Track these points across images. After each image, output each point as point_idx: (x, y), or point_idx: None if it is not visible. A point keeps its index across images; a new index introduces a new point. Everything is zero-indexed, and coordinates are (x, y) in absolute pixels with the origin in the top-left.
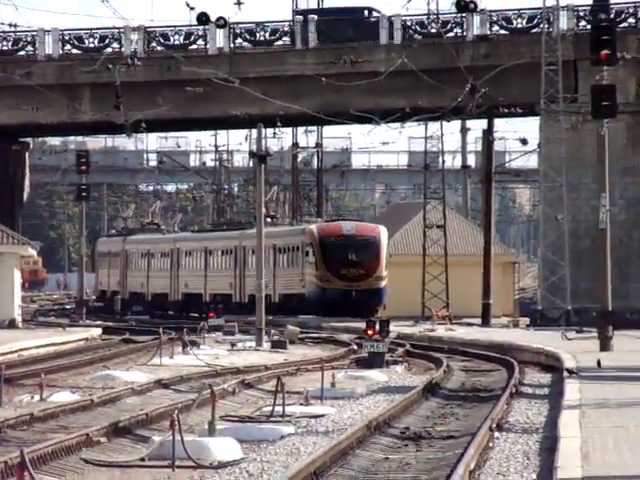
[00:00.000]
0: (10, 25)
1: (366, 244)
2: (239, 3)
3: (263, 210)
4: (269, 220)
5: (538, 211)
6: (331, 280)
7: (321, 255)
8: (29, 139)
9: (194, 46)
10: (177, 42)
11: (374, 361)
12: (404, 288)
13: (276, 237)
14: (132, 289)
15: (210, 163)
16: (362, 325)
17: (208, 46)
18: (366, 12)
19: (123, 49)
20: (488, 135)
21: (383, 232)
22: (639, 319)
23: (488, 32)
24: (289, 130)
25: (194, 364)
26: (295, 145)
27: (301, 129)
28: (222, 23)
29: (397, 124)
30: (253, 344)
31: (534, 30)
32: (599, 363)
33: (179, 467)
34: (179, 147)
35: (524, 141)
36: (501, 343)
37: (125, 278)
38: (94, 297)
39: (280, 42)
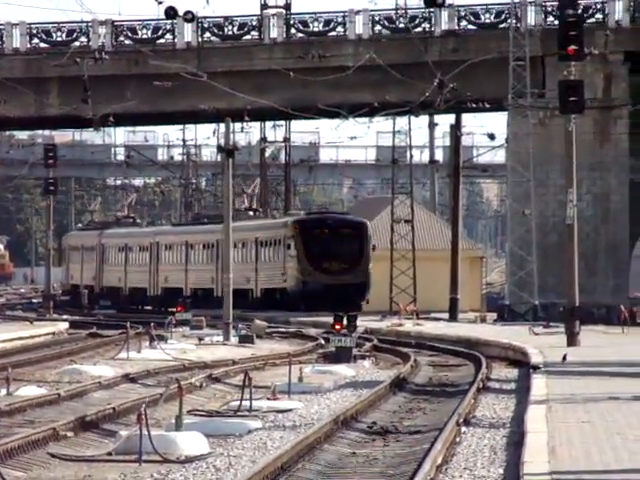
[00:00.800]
0: None
1: (350, 237)
2: None
3: (230, 204)
4: (251, 213)
5: (505, 206)
6: (313, 274)
7: (303, 248)
8: None
9: (162, 40)
10: (145, 36)
11: (342, 356)
12: (372, 282)
13: (258, 230)
14: (108, 283)
15: (178, 157)
16: (330, 320)
17: (176, 40)
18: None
19: (91, 43)
20: (456, 130)
21: (367, 225)
22: (606, 314)
23: (456, 27)
24: (257, 124)
25: (161, 358)
26: (263, 139)
27: (269, 124)
28: (190, 17)
29: (365, 119)
30: (221, 339)
31: (502, 25)
32: (564, 357)
33: (146, 462)
34: (147, 141)
35: (492, 136)
36: (468, 338)
37: (101, 272)
38: (61, 291)
39: (248, 36)
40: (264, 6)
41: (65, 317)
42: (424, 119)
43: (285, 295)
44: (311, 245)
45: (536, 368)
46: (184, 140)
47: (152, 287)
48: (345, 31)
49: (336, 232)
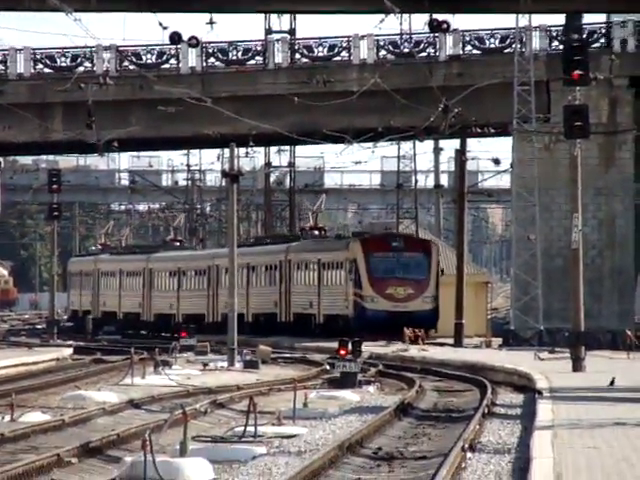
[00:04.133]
0: None
1: (416, 260)
2: (211, 22)
3: (235, 229)
4: (316, 232)
5: (510, 231)
6: (377, 300)
7: (366, 273)
8: (0, 158)
9: (166, 65)
10: (149, 61)
11: (346, 381)
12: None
13: (321, 252)
14: (106, 309)
15: (182, 182)
16: (334, 345)
17: (180, 65)
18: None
19: (95, 68)
20: (461, 155)
21: (434, 247)
22: (611, 339)
23: (461, 52)
24: (262, 149)
25: (166, 384)
26: (268, 165)
27: (274, 149)
28: (194, 42)
29: (370, 144)
30: (225, 364)
31: (507, 50)
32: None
33: None
34: (151, 166)
35: (497, 161)
36: (474, 363)
37: (98, 297)
38: (65, 317)
39: (252, 61)
40: (268, 31)
41: (69, 343)
42: (429, 144)
43: (347, 322)
44: (374, 269)
45: (539, 393)
46: (188, 165)
47: (145, 313)
48: (350, 56)
49: (401, 254)
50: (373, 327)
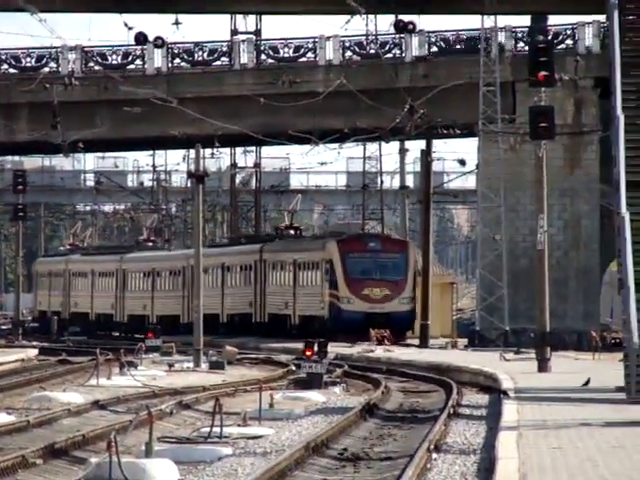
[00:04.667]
0: None
1: (393, 261)
2: (177, 23)
3: (201, 230)
4: (292, 232)
5: (476, 232)
6: (353, 301)
7: (342, 273)
8: None
9: (132, 66)
10: (115, 62)
11: (312, 382)
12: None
13: (297, 252)
14: (77, 309)
15: (148, 183)
16: (300, 346)
17: (146, 66)
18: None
19: (60, 69)
20: (426, 156)
21: (412, 248)
22: (577, 340)
23: (426, 53)
24: (227, 150)
25: (131, 385)
26: (233, 165)
27: (239, 149)
28: (160, 43)
29: (336, 144)
30: (191, 365)
31: (472, 51)
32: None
33: None
34: (117, 167)
35: (462, 162)
36: (439, 364)
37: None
38: (30, 318)
39: (218, 62)
40: (234, 32)
41: (34, 343)
42: (395, 145)
43: (323, 324)
44: (350, 269)
45: (505, 394)
46: (154, 166)
47: (118, 314)
48: (316, 57)
49: (378, 255)
50: (349, 328)
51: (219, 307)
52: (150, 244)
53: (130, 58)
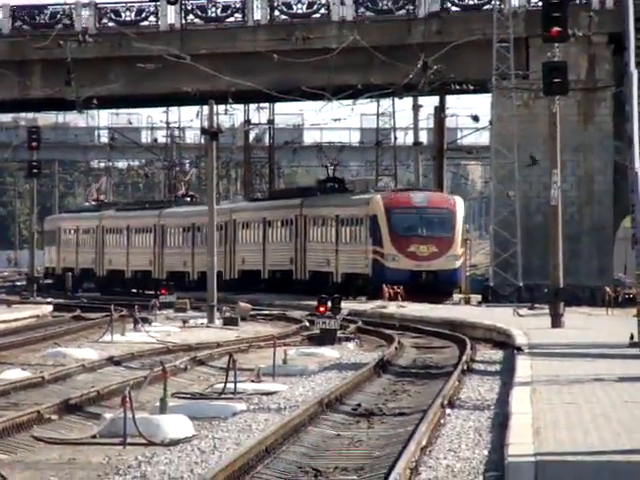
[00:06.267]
0: None
1: (440, 218)
2: None
3: (215, 186)
4: (336, 186)
5: (489, 188)
6: (398, 259)
7: (387, 230)
8: None
9: (145, 22)
10: (128, 18)
11: (326, 338)
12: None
13: (339, 207)
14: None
15: (162, 140)
16: (314, 302)
17: (159, 22)
18: None
19: (74, 25)
20: (440, 112)
21: (459, 204)
22: (590, 296)
23: (440, 9)
24: (241, 107)
25: (145, 341)
26: (247, 122)
27: (253, 106)
28: (173, 0)
29: (349, 101)
30: (205, 321)
31: (486, 7)
32: (519, 348)
33: (130, 444)
34: (130, 124)
35: (476, 118)
36: (452, 320)
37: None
38: (44, 274)
39: (232, 19)
40: None
41: (49, 300)
42: (408, 101)
43: (367, 281)
44: (396, 226)
45: (519, 349)
46: (168, 122)
47: (157, 271)
48: (329, 13)
49: (425, 211)
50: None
51: (261, 263)
52: (188, 199)
53: (144, 15)
